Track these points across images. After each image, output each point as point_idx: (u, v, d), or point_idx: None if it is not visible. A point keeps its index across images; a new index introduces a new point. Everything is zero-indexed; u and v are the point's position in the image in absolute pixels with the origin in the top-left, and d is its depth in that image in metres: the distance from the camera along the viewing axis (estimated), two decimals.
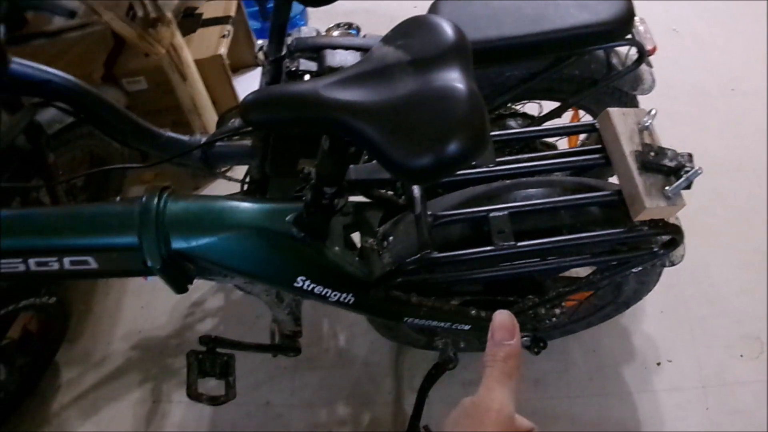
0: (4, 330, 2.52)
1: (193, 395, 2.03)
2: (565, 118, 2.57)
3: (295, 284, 1.69)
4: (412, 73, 1.33)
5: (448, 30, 1.39)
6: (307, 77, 2.01)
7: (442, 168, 1.24)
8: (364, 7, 2.10)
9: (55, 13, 2.82)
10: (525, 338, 2.15)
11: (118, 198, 1.81)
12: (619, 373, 2.55)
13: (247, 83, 3.77)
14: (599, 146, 1.75)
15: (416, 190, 1.68)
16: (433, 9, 2.24)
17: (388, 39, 1.43)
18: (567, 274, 2.10)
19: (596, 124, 1.77)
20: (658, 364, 2.57)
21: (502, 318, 0.82)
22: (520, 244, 1.62)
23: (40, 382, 2.82)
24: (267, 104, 1.37)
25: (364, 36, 2.17)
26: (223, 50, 3.24)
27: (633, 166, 1.60)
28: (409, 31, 1.43)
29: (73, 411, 2.76)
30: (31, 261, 1.63)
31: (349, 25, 2.36)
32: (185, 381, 2.04)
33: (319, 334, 2.77)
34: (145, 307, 3.03)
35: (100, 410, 2.74)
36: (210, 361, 2.07)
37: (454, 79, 1.30)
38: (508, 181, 1.78)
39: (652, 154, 1.60)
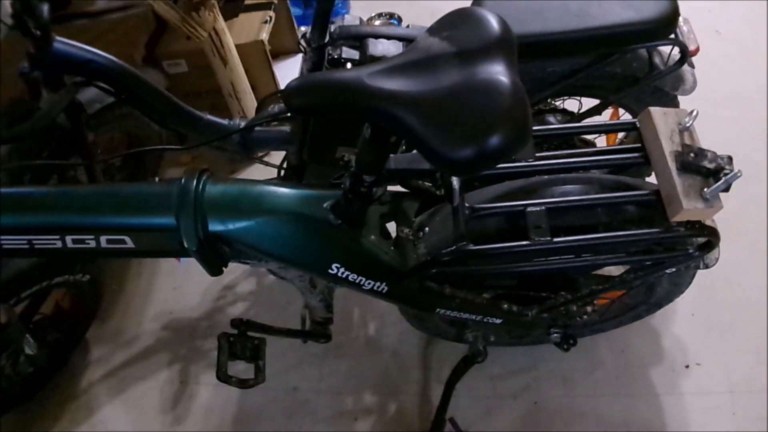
0: (37, 306, 2.54)
1: (223, 377, 2.04)
2: (605, 116, 2.56)
3: (330, 271, 1.70)
4: (457, 64, 1.33)
5: (494, 23, 1.39)
6: (349, 65, 2.01)
7: (483, 160, 1.24)
8: None
9: None
10: (555, 335, 2.15)
11: (156, 179, 1.81)
12: (647, 374, 2.54)
13: (287, 69, 3.76)
14: (638, 145, 1.74)
15: (455, 181, 1.68)
16: (476, 2, 2.23)
17: (433, 30, 1.43)
18: (599, 272, 2.09)
19: (637, 122, 1.76)
20: (687, 367, 2.55)
21: None
22: (556, 240, 1.62)
23: (70, 359, 2.85)
24: (311, 90, 1.38)
25: (407, 26, 2.17)
26: (264, 36, 3.24)
27: (672, 166, 1.59)
28: (455, 22, 1.43)
29: (102, 388, 2.78)
30: (68, 238, 1.64)
31: (391, 15, 2.36)
32: (214, 363, 2.05)
33: (349, 322, 2.78)
34: (177, 289, 3.04)
35: (128, 388, 2.75)
36: (241, 344, 2.08)
37: (499, 72, 1.30)
38: (546, 177, 1.78)
39: (692, 155, 1.59)
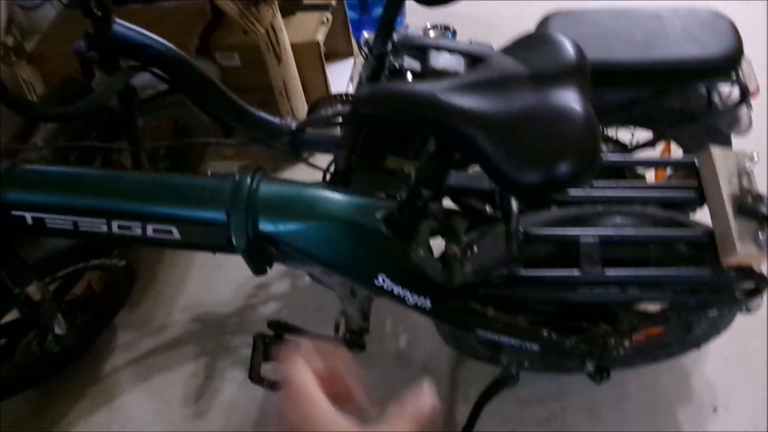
0: (70, 286, 2.54)
1: (255, 378, 2.03)
2: (656, 149, 2.54)
3: (376, 282, 1.68)
4: (531, 88, 1.32)
5: (570, 49, 1.39)
6: (409, 76, 2.00)
7: (550, 186, 1.24)
8: (463, 11, 2.09)
9: None
10: (590, 366, 2.13)
11: (209, 172, 1.80)
12: (674, 413, 2.51)
13: (338, 72, 3.75)
14: (695, 184, 1.72)
15: (514, 204, 1.66)
16: (543, 24, 2.22)
17: (508, 50, 1.43)
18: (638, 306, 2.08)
19: (696, 161, 1.74)
20: (714, 409, 2.52)
21: (429, 402, 0.76)
22: (606, 272, 1.61)
23: (96, 342, 2.84)
24: (384, 100, 1.37)
25: (470, 42, 2.15)
26: (320, 37, 3.24)
27: (729, 209, 1.58)
28: (531, 45, 1.42)
29: (125, 374, 2.78)
30: (115, 223, 1.64)
31: (446, 28, 2.34)
32: (241, 360, 2.05)
33: (381, 332, 2.76)
34: (210, 282, 3.03)
35: (152, 377, 2.75)
36: (276, 346, 2.07)
37: (572, 99, 1.29)
38: (599, 207, 1.76)
39: (750, 199, 1.58)
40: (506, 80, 1.34)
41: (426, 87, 1.35)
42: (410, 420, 0.73)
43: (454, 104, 1.30)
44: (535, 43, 1.42)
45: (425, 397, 0.76)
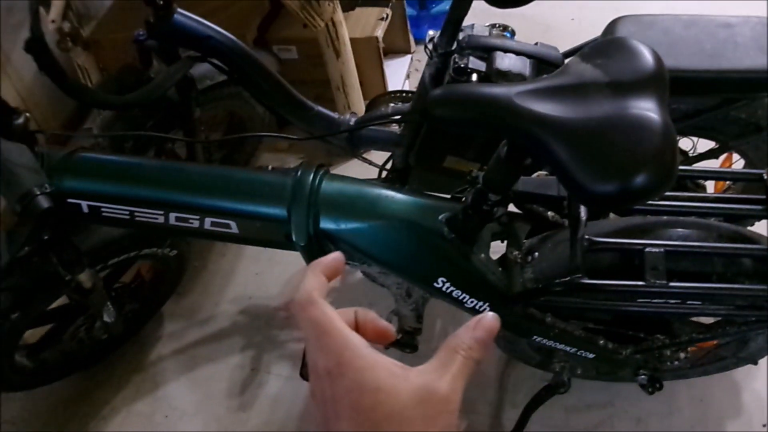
0: (120, 274, 2.56)
1: (307, 376, 2.02)
2: (717, 160, 2.51)
3: (436, 284, 1.67)
4: (609, 95, 1.30)
5: (649, 57, 1.36)
6: (474, 77, 1.98)
7: (625, 198, 1.21)
8: (521, 12, 2.06)
9: None
10: (643, 376, 2.10)
11: (269, 167, 1.79)
12: (723, 427, 2.47)
13: (395, 68, 3.76)
14: (762, 197, 1.69)
15: (582, 212, 1.64)
16: (610, 28, 2.19)
17: (585, 56, 1.40)
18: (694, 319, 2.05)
19: (764, 174, 1.71)
20: (764, 426, 2.49)
21: (493, 323, 0.70)
22: (671, 284, 1.58)
23: (143, 330, 2.86)
24: (457, 103, 1.36)
25: (536, 44, 2.13)
26: (379, 33, 3.24)
27: None
28: (608, 51, 1.39)
29: (170, 363, 2.79)
30: (172, 215, 1.65)
31: (504, 27, 2.32)
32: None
33: (431, 331, 2.73)
34: (259, 275, 3.03)
35: (197, 367, 2.75)
36: None
37: (651, 109, 1.27)
38: (664, 218, 1.74)
39: None
40: (584, 87, 1.32)
41: (502, 90, 1.33)
42: (468, 369, 0.66)
43: (531, 109, 1.27)
44: (612, 49, 1.39)
45: (482, 326, 0.69)
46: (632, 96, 1.29)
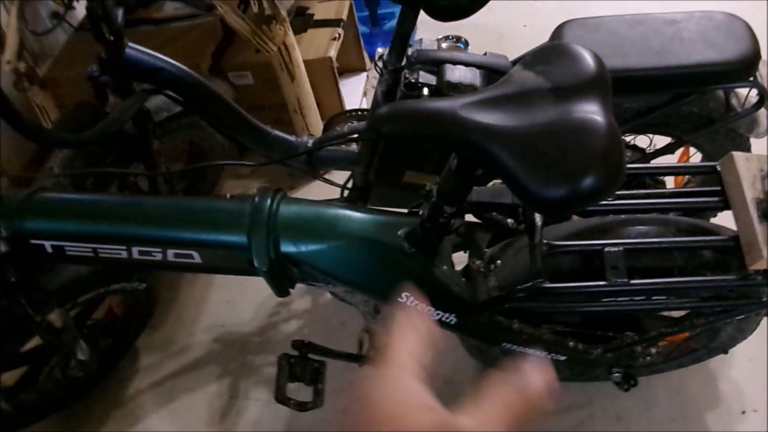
0: (91, 311, 2.54)
1: (281, 399, 2.02)
2: (675, 155, 2.53)
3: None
4: (552, 101, 1.31)
5: (589, 60, 1.37)
6: (425, 90, 1.99)
7: (575, 201, 1.23)
8: (474, 22, 2.07)
9: (192, 4, 2.86)
10: (616, 374, 2.12)
11: (228, 195, 1.80)
12: (702, 417, 2.49)
13: (352, 87, 3.79)
14: (718, 189, 1.71)
15: (537, 217, 1.65)
16: (557, 33, 2.21)
17: (527, 63, 1.41)
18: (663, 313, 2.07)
19: (717, 166, 1.73)
20: (743, 412, 2.50)
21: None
22: (633, 281, 1.60)
23: (119, 365, 2.85)
24: (403, 118, 1.37)
25: (485, 53, 2.15)
26: (333, 53, 3.25)
27: (754, 213, 1.57)
28: (550, 57, 1.41)
29: (149, 396, 2.78)
30: (135, 249, 1.65)
31: (458, 38, 2.34)
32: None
33: None
34: (230, 302, 3.03)
35: (176, 399, 2.75)
36: (301, 366, 2.06)
37: (594, 111, 1.28)
38: (622, 216, 1.75)
39: None
40: (527, 94, 1.33)
41: (446, 104, 1.34)
42: (512, 402, 0.64)
43: (476, 120, 1.29)
44: (553, 55, 1.41)
45: (536, 374, 0.66)
46: (575, 100, 1.30)
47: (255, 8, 2.74)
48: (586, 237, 1.70)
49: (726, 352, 2.27)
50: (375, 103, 2.21)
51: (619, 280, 1.60)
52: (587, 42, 2.07)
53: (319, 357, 2.12)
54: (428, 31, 2.25)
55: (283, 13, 2.83)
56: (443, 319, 1.73)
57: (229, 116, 2.27)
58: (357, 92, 3.79)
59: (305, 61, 3.10)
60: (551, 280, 1.61)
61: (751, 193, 1.60)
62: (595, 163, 1.21)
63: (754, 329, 2.14)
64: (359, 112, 2.53)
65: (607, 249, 1.63)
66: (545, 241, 1.63)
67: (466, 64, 2.04)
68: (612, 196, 1.68)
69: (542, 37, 2.12)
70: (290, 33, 2.91)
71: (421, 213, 1.59)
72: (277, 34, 2.80)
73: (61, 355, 2.40)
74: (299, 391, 2.09)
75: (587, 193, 1.21)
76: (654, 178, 2.39)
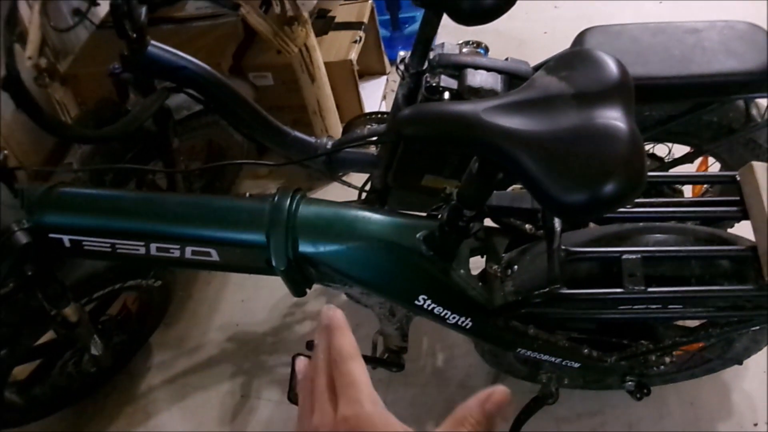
0: (106, 306, 2.56)
1: (294, 399, 2.01)
2: (693, 164, 2.52)
3: (416, 302, 1.68)
4: (575, 107, 1.31)
5: (613, 67, 1.38)
6: (446, 95, 1.99)
7: (596, 207, 1.23)
8: (495, 27, 2.06)
9: (218, 3, 2.87)
10: (630, 383, 2.12)
11: (247, 194, 1.81)
12: (714, 428, 2.47)
13: (371, 90, 3.80)
14: (736, 198, 1.70)
15: (557, 223, 1.65)
16: (579, 39, 2.21)
17: (550, 69, 1.42)
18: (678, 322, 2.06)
19: (737, 176, 1.72)
20: (755, 425, 2.49)
21: (505, 398, 0.68)
22: (650, 289, 1.60)
23: (132, 361, 2.86)
24: (425, 121, 1.37)
25: (506, 59, 2.15)
26: (353, 55, 3.25)
27: None
28: (573, 63, 1.41)
29: (161, 393, 2.79)
30: (153, 245, 1.65)
31: (478, 44, 2.33)
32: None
33: (418, 350, 2.74)
34: (245, 301, 3.04)
35: (188, 396, 2.75)
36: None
37: (617, 118, 1.28)
38: (640, 224, 1.75)
39: None
40: (550, 99, 1.33)
41: (469, 107, 1.34)
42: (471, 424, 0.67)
43: (499, 124, 1.29)
44: (576, 61, 1.41)
45: (493, 401, 0.68)
46: (598, 106, 1.30)
47: (277, 9, 2.75)
48: (604, 244, 1.70)
49: (740, 363, 2.26)
50: (396, 106, 2.22)
51: (636, 287, 1.59)
52: (609, 49, 2.05)
53: None
54: (448, 35, 2.25)
55: (305, 14, 2.83)
56: (459, 323, 1.73)
57: (249, 116, 2.28)
58: (376, 95, 3.79)
59: (326, 63, 3.11)
60: (568, 286, 1.61)
61: None
62: (616, 169, 1.22)
63: None
64: (378, 115, 2.53)
65: (624, 256, 1.63)
66: (563, 247, 1.63)
67: (488, 69, 2.04)
68: (632, 203, 1.68)
69: (563, 44, 2.11)
70: (311, 35, 2.92)
71: (440, 216, 1.59)
72: (299, 36, 2.81)
73: (74, 350, 2.42)
74: None
75: (608, 198, 1.21)
76: (672, 187, 2.39)
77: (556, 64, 1.43)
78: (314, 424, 0.68)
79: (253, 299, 3.03)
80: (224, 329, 2.96)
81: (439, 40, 2.18)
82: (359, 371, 0.70)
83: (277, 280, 1.70)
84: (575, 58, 1.43)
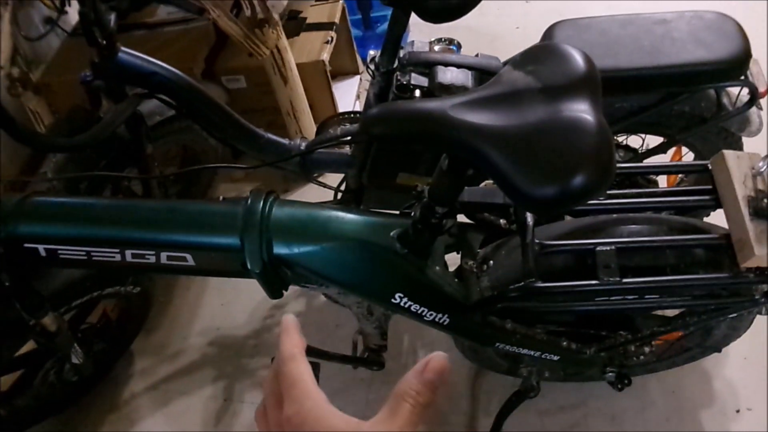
0: (86, 315, 2.55)
1: None
2: (667, 154, 2.53)
3: (393, 300, 1.67)
4: (542, 101, 1.31)
5: (579, 60, 1.37)
6: (417, 92, 2.00)
7: (565, 200, 1.23)
8: (466, 24, 2.07)
9: (184, 9, 2.86)
10: (610, 374, 2.12)
11: (221, 198, 1.81)
12: (697, 416, 2.49)
13: (344, 90, 3.80)
14: (709, 187, 1.71)
15: (529, 217, 1.66)
16: (548, 33, 2.22)
17: (517, 64, 1.42)
18: (656, 312, 2.07)
19: (709, 165, 1.73)
20: (737, 411, 2.51)
21: (442, 363, 0.74)
22: (625, 280, 1.60)
23: (113, 369, 2.85)
24: (393, 119, 1.37)
25: (476, 55, 2.15)
26: (325, 56, 3.25)
27: (745, 211, 1.57)
28: (540, 57, 1.41)
29: (144, 400, 2.78)
30: (128, 252, 1.64)
31: (450, 41, 2.34)
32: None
33: (399, 348, 2.75)
34: (225, 305, 3.04)
35: (171, 402, 2.75)
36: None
37: (584, 110, 1.28)
38: (614, 215, 1.76)
39: (765, 200, 1.57)
40: (517, 94, 1.33)
41: (436, 104, 1.34)
42: (416, 415, 0.69)
43: (466, 120, 1.29)
44: (543, 55, 1.41)
45: (431, 368, 0.73)
46: (565, 99, 1.30)
47: (247, 12, 2.75)
48: (578, 236, 1.70)
49: (719, 351, 2.28)
50: (367, 105, 2.22)
51: (611, 279, 1.60)
52: (578, 42, 2.06)
53: (314, 359, 2.12)
54: (421, 33, 2.26)
55: (276, 16, 2.83)
56: (436, 319, 1.73)
57: (222, 120, 2.28)
58: (350, 95, 3.80)
59: (298, 65, 3.11)
60: (544, 279, 1.61)
61: (742, 191, 1.60)
62: (585, 161, 1.22)
63: (748, 327, 2.14)
64: (352, 115, 2.53)
65: (599, 248, 1.63)
66: (537, 241, 1.63)
67: (458, 66, 2.04)
68: (603, 194, 1.68)
69: (535, 39, 2.12)
70: (283, 37, 2.92)
71: (413, 214, 1.59)
72: (270, 38, 2.80)
73: (55, 359, 2.41)
74: None
75: (577, 191, 1.21)
76: (646, 177, 2.40)
77: (522, 59, 1.43)
78: (269, 425, 0.72)
79: (233, 303, 3.04)
80: (205, 334, 2.96)
81: (412, 37, 2.19)
82: (299, 370, 0.73)
83: (256, 283, 1.70)
84: (541, 52, 1.43)
